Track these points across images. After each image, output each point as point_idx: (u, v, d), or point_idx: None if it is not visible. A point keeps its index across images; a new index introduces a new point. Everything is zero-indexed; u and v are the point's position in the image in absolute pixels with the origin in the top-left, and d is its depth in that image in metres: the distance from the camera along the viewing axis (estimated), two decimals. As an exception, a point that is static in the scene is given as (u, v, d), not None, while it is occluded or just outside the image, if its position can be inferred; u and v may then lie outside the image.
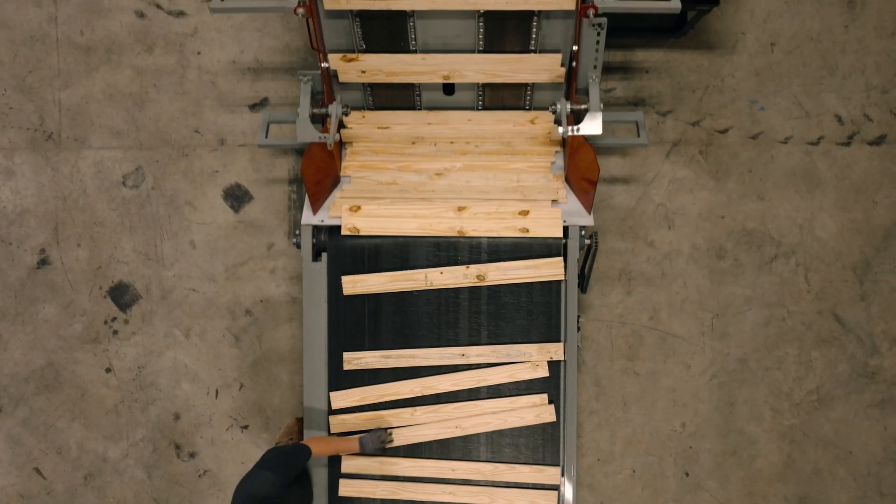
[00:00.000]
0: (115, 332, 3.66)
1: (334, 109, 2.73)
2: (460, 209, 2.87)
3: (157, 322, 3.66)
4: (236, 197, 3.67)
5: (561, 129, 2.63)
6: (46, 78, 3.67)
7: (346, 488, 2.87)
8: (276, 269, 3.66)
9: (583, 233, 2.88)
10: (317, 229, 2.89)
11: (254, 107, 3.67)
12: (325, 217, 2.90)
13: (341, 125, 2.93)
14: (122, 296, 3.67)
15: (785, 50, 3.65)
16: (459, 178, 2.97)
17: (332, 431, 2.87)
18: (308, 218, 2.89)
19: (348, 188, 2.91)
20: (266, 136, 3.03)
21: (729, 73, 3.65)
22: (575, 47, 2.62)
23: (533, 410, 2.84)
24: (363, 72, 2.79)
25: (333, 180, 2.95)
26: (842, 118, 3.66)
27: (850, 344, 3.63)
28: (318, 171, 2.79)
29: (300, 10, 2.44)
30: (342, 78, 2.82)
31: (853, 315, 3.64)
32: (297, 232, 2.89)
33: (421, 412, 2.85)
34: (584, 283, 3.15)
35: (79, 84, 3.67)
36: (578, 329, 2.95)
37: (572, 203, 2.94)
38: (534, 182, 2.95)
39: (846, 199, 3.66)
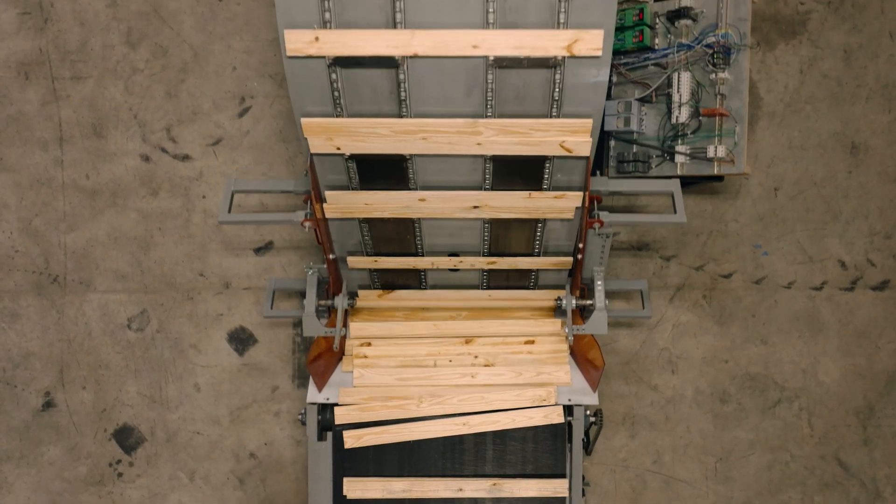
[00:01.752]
0: (120, 475, 3.67)
1: (340, 302, 2.74)
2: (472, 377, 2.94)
3: (161, 465, 3.67)
4: (241, 340, 3.68)
5: (567, 329, 2.64)
6: (52, 221, 3.68)
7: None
8: (281, 411, 3.67)
9: (587, 412, 2.89)
10: (322, 407, 2.91)
11: (259, 250, 3.68)
12: (330, 395, 2.91)
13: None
14: (126, 438, 3.68)
15: (788, 195, 3.66)
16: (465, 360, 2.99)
17: None
18: (313, 396, 2.91)
19: (353, 391, 2.91)
20: (272, 307, 3.05)
21: (732, 217, 3.66)
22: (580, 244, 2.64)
23: None
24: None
25: (338, 358, 2.96)
26: (845, 263, 3.67)
27: (854, 489, 3.64)
28: (322, 357, 2.80)
29: (307, 224, 2.46)
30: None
31: (856, 460, 3.64)
32: (303, 410, 2.91)
33: None
34: (588, 447, 3.17)
35: (84, 227, 3.68)
36: (584, 483, 2.97)
37: (577, 380, 2.95)
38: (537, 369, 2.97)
39: (849, 344, 3.67)
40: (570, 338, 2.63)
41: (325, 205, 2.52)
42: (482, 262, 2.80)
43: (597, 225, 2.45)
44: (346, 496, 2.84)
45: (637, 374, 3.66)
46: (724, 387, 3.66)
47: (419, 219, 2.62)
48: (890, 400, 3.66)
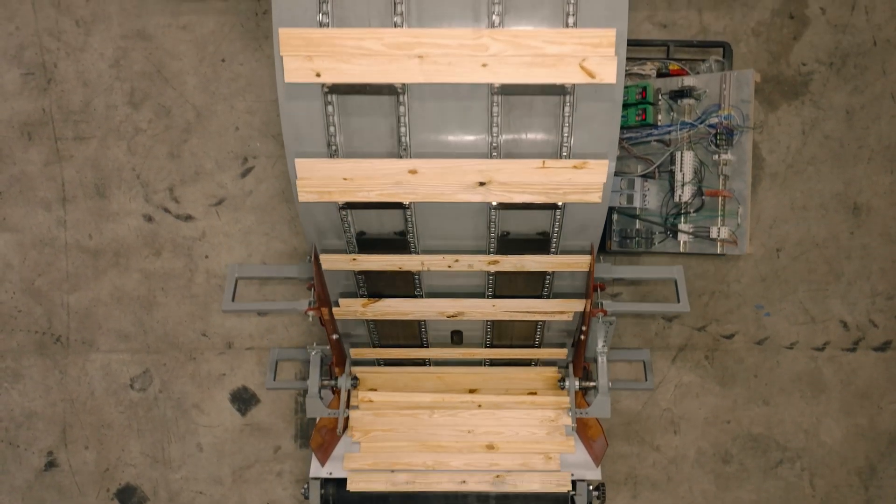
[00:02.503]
0: (122, 535, 3.67)
1: (343, 383, 2.75)
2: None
3: (164, 524, 3.67)
4: (243, 400, 3.68)
5: (570, 412, 2.65)
6: (55, 281, 3.69)
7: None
8: (283, 471, 3.67)
9: (590, 487, 2.90)
10: (325, 481, 2.92)
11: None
12: (333, 469, 2.92)
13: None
14: (129, 498, 3.68)
15: (791, 256, 3.66)
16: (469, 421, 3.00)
17: None
18: (316, 471, 2.91)
19: (357, 457, 2.93)
20: (275, 378, 3.05)
21: (735, 278, 3.67)
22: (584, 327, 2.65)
23: None
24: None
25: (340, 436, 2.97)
26: (847, 324, 3.67)
27: (856, 549, 3.65)
28: (325, 437, 2.81)
29: (310, 313, 2.47)
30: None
31: (858, 520, 3.65)
32: (306, 485, 2.91)
33: None
34: None
35: (87, 287, 3.69)
36: None
37: (580, 453, 2.96)
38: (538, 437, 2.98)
39: (851, 405, 3.67)
40: (574, 423, 2.64)
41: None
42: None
43: (600, 314, 2.45)
44: None
45: (639, 435, 3.66)
46: (727, 447, 3.66)
47: (420, 278, 2.64)
48: (892, 460, 3.66)
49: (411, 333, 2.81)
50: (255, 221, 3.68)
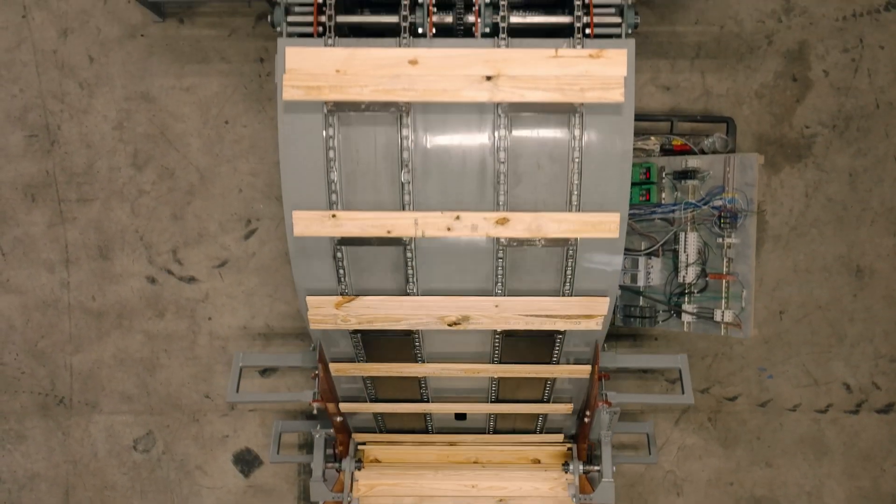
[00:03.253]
0: None
1: (348, 465, 2.75)
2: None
3: (167, 586, 3.67)
4: (246, 462, 3.68)
5: (574, 499, 2.65)
6: (58, 343, 3.69)
7: None
8: (286, 533, 3.68)
9: None
10: None
11: (264, 372, 3.68)
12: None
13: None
14: (132, 559, 3.68)
15: (794, 318, 3.67)
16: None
17: None
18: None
19: None
20: (278, 451, 3.05)
21: (737, 340, 3.67)
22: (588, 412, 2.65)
23: None
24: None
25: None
26: (850, 386, 3.68)
27: None
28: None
29: (315, 404, 2.47)
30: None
31: (861, 583, 3.65)
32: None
33: None
34: None
35: (90, 349, 3.69)
36: None
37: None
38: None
39: (854, 467, 3.67)
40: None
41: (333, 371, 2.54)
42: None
43: (604, 405, 2.45)
44: None
45: (642, 497, 3.67)
46: (730, 509, 3.67)
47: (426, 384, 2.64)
48: (895, 523, 3.66)
49: (415, 415, 2.81)
50: (258, 283, 3.68)
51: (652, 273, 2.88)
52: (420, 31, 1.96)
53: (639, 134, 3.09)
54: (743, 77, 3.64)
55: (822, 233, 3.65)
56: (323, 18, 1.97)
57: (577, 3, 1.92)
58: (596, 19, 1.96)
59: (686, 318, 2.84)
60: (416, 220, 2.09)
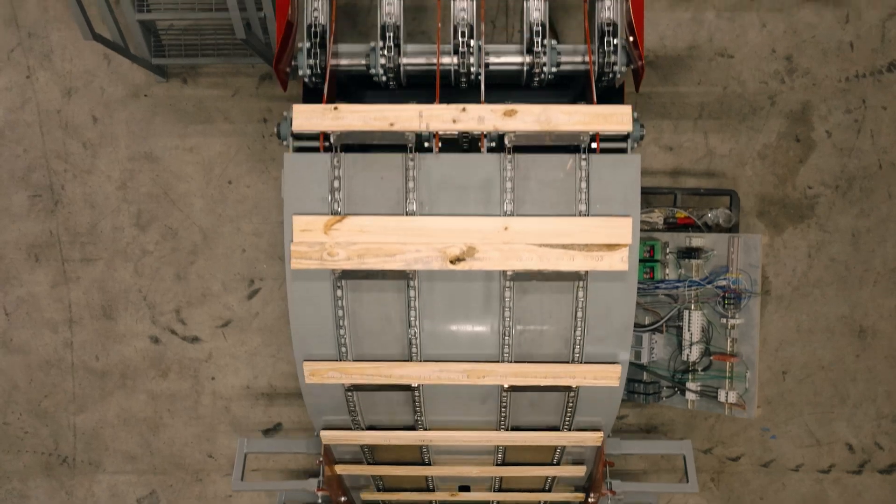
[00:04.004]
0: None
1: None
2: None
3: None
4: (250, 521, 3.69)
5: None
6: (62, 403, 3.69)
7: None
8: (289, 593, 3.68)
9: None
10: None
11: (267, 432, 3.68)
12: None
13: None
14: None
15: (796, 378, 3.67)
16: None
17: None
18: None
19: None
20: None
21: (740, 400, 3.67)
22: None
23: None
24: None
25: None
26: (853, 446, 3.68)
27: None
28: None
29: (320, 493, 2.47)
30: None
31: None
32: None
33: None
34: None
35: (94, 409, 3.69)
36: None
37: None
38: None
39: (857, 527, 3.68)
40: None
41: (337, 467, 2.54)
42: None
43: (608, 494, 2.46)
44: None
45: (645, 557, 3.67)
46: (732, 569, 3.67)
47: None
48: (898, 583, 3.66)
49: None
50: (261, 343, 3.68)
51: (655, 348, 2.88)
52: (427, 145, 1.97)
53: (643, 208, 3.10)
54: (746, 138, 3.65)
55: (824, 293, 3.66)
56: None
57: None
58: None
59: (690, 395, 2.84)
60: (422, 113, 1.91)
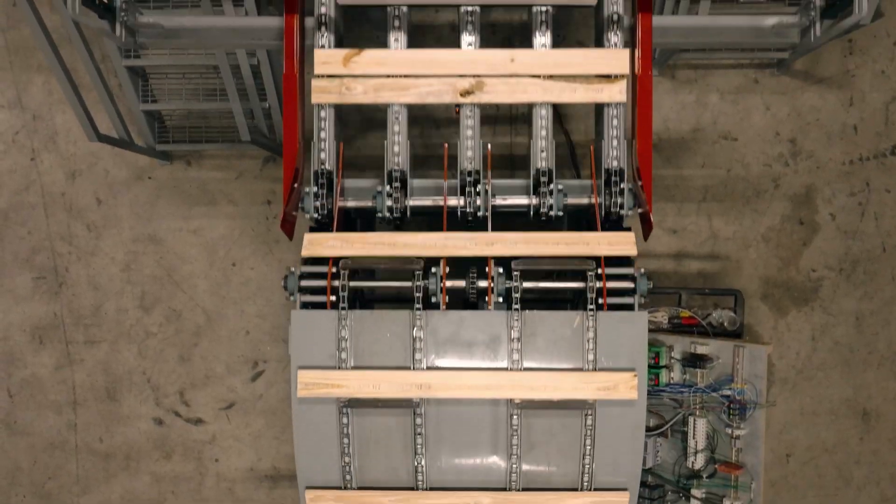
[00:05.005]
0: None
1: None
2: None
3: None
4: None
5: None
6: (66, 484, 3.69)
7: None
8: None
9: None
10: None
11: (271, 481, 3.68)
12: None
13: None
14: None
15: (800, 461, 3.67)
16: None
17: None
18: None
19: None
20: None
21: (744, 482, 3.67)
22: None
23: None
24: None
25: None
26: (857, 529, 3.68)
27: None
28: None
29: None
30: None
31: None
32: None
33: None
34: None
35: (97, 490, 3.69)
36: None
37: None
38: None
39: None
40: None
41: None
42: None
43: None
44: None
45: None
46: None
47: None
48: None
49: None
50: (265, 425, 3.68)
51: (660, 452, 2.88)
52: (434, 299, 1.97)
53: (647, 307, 3.10)
54: (749, 220, 3.65)
55: (828, 376, 3.66)
56: (336, 283, 1.99)
57: (590, 273, 1.94)
58: (609, 285, 1.97)
59: (695, 503, 2.84)
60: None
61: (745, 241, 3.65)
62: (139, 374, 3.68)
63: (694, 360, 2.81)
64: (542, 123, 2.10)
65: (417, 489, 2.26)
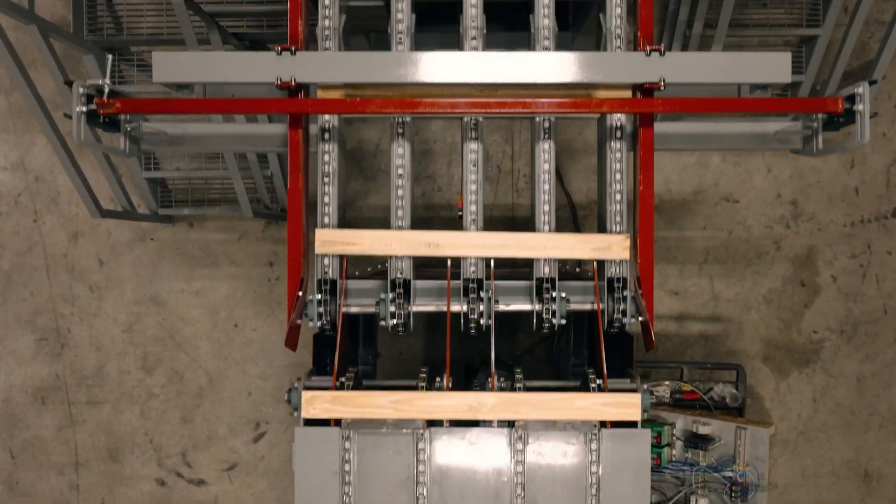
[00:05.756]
0: None
1: None
2: None
3: None
4: None
5: None
6: (67, 545, 3.70)
7: None
8: None
9: None
10: None
11: (273, 574, 3.69)
12: None
13: None
14: None
15: (802, 523, 3.68)
16: None
17: None
18: None
19: None
20: None
21: (746, 544, 3.67)
22: None
23: None
24: None
25: None
26: (858, 591, 3.68)
27: None
28: None
29: None
30: None
31: None
32: None
33: None
34: None
35: (99, 551, 3.70)
36: None
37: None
38: None
39: None
40: None
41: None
42: None
43: None
44: None
45: None
46: None
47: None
48: None
49: None
50: (267, 486, 3.69)
51: (663, 529, 2.89)
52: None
53: (649, 380, 3.11)
54: (751, 282, 3.66)
55: (829, 437, 3.66)
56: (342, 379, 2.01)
57: (593, 386, 1.94)
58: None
59: (696, 581, 2.85)
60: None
61: (747, 302, 3.66)
62: (141, 435, 3.69)
63: (696, 441, 2.82)
64: (545, 229, 2.11)
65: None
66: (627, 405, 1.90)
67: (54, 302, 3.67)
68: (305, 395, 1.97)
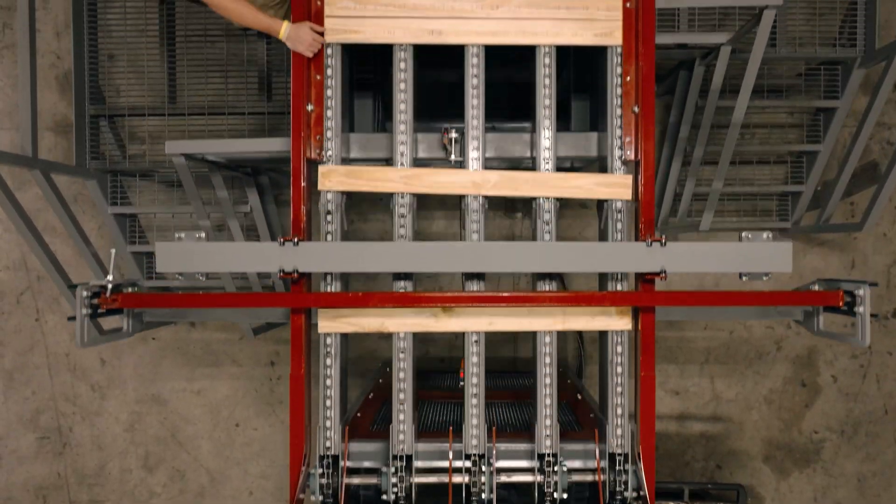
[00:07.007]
0: None
1: None
2: None
3: None
4: None
5: None
6: None
7: None
8: None
9: None
10: None
11: None
12: None
13: None
14: None
15: None
16: None
17: None
18: None
19: None
20: None
21: None
22: None
23: None
24: None
25: None
26: None
27: None
28: None
29: None
30: None
31: None
32: None
33: None
34: None
35: None
36: None
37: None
38: None
39: None
40: None
41: None
42: None
43: None
44: None
45: None
46: None
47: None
48: None
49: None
50: (268, 585, 3.70)
51: None
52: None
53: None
54: (752, 383, 3.66)
55: (830, 538, 3.67)
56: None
57: None
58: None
59: None
60: None
61: (748, 402, 3.66)
62: (143, 534, 3.69)
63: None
64: (546, 392, 2.12)
65: None
66: (619, 185, 2.03)
67: (56, 401, 3.68)
68: (322, 168, 2.07)
